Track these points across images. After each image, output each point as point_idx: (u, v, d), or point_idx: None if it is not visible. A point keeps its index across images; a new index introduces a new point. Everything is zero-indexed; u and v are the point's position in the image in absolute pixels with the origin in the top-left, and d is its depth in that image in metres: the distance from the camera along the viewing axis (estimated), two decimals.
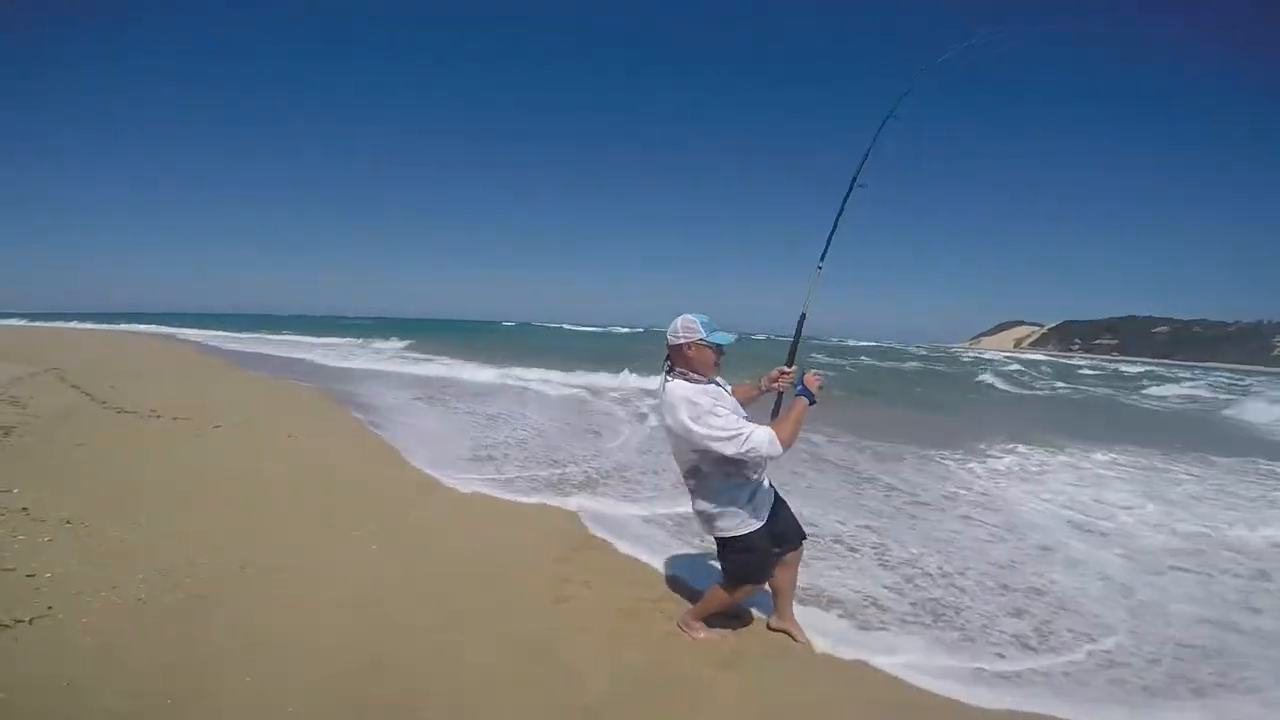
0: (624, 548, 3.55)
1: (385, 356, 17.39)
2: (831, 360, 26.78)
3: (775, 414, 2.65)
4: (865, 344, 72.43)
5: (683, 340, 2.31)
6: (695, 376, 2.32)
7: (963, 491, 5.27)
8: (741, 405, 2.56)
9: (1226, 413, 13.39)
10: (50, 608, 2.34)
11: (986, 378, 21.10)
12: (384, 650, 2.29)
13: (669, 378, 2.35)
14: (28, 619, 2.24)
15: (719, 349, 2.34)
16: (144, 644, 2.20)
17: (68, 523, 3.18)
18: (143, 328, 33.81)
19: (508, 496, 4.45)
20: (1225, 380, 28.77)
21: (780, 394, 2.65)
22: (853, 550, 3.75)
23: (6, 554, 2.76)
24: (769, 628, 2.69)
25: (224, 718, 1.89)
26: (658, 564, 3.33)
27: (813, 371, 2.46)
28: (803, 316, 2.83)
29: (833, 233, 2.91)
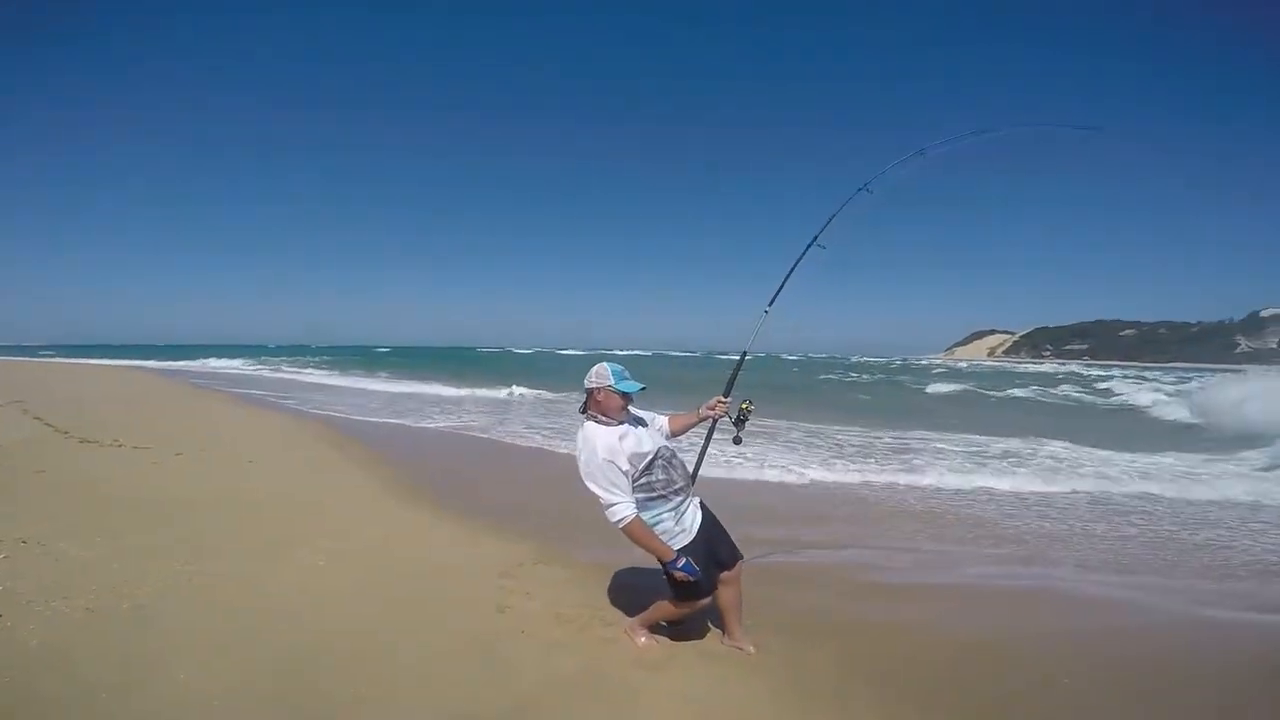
0: (579, 558, 3.66)
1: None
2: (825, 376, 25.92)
3: (708, 439, 2.92)
4: (866, 359, 69.42)
5: (595, 385, 2.52)
6: (604, 419, 2.52)
7: None
8: (678, 432, 2.78)
9: None
10: (0, 615, 2.47)
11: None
12: (319, 651, 2.43)
13: (584, 417, 2.58)
14: None
15: (626, 396, 2.53)
16: (88, 646, 2.33)
17: (23, 542, 3.28)
18: (136, 362, 32.09)
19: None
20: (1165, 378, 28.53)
21: (715, 421, 2.83)
22: None
23: None
24: (722, 643, 2.75)
25: (152, 707, 2.02)
26: (606, 577, 3.40)
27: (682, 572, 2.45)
28: (744, 355, 3.01)
29: (783, 285, 3.02)
